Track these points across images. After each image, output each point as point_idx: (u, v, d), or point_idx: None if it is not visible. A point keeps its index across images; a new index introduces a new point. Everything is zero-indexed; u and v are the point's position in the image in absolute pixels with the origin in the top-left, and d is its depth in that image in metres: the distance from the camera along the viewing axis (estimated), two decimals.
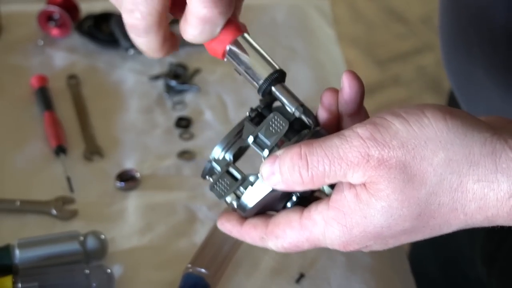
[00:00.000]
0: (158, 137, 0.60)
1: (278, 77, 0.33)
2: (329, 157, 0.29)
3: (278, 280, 0.49)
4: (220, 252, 0.50)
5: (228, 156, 0.34)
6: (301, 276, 0.49)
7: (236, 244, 0.50)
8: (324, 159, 0.30)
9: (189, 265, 0.48)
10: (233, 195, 0.33)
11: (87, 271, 0.47)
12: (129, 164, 0.57)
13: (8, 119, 0.61)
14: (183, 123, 0.61)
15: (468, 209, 0.29)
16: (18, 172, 0.56)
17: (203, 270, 0.48)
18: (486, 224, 0.30)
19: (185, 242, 0.52)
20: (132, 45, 0.66)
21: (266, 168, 0.31)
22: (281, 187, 0.31)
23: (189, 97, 0.63)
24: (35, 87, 0.62)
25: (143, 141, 0.59)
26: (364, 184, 0.30)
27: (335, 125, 0.34)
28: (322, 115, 0.34)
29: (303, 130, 0.33)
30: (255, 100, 0.68)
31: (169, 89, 0.63)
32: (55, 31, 0.67)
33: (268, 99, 0.35)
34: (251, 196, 0.33)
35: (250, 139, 0.33)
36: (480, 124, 0.30)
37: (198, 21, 0.31)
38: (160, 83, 0.64)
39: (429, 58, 1.62)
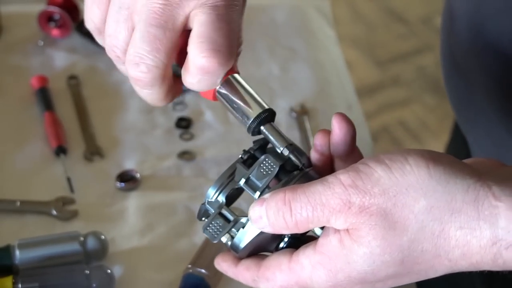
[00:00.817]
0: (158, 137, 0.60)
1: (267, 116, 0.34)
2: (311, 203, 0.30)
3: None
4: (220, 252, 0.50)
5: (221, 198, 0.35)
6: None
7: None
8: (307, 206, 0.30)
9: (189, 266, 0.48)
10: (228, 235, 0.34)
11: (87, 272, 0.48)
12: (130, 164, 0.57)
13: (8, 119, 0.61)
14: (183, 124, 0.61)
15: (452, 255, 0.29)
16: (18, 173, 0.57)
17: (203, 270, 0.48)
18: (472, 269, 0.30)
19: (185, 242, 0.52)
20: None
21: (254, 212, 0.32)
22: (269, 230, 0.32)
23: (189, 97, 0.63)
24: (35, 88, 0.62)
25: (143, 142, 0.60)
26: (347, 230, 0.30)
27: (328, 166, 0.35)
28: (315, 156, 0.35)
29: (295, 171, 0.34)
30: None
31: None
32: (55, 32, 0.67)
33: (261, 141, 0.36)
34: (242, 238, 0.34)
35: (242, 181, 0.34)
36: (464, 170, 0.30)
37: (197, 70, 0.31)
38: None
39: (429, 58, 1.61)
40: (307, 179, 0.33)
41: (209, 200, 0.35)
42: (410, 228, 0.29)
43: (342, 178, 0.30)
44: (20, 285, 0.46)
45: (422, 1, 1.77)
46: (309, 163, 0.35)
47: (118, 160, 0.58)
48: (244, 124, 0.34)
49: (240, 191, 0.36)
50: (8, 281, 0.47)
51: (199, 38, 0.31)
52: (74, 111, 0.62)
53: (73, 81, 0.64)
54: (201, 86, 0.33)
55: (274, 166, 0.33)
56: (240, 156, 0.35)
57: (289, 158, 0.34)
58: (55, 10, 0.66)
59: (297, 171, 0.34)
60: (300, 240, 0.34)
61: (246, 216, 0.33)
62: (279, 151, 0.34)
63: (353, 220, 0.29)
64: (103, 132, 0.60)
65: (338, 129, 0.33)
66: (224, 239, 0.34)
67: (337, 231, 0.31)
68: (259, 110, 0.34)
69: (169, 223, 0.53)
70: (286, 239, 0.34)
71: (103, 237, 0.50)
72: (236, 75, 0.34)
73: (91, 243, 0.50)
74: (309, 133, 0.61)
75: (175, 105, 0.62)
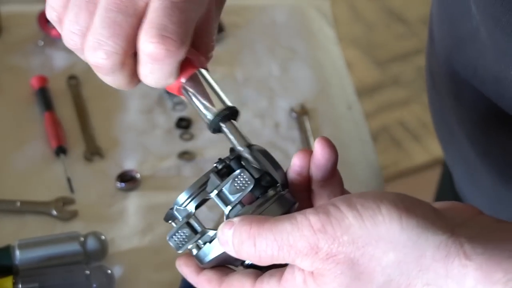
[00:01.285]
0: (158, 137, 0.60)
1: (228, 114, 0.33)
2: (278, 242, 0.29)
3: None
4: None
5: (191, 207, 0.33)
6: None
7: None
8: (273, 244, 0.29)
9: None
10: (194, 244, 0.33)
11: (87, 272, 0.48)
12: (129, 164, 0.58)
13: (8, 119, 0.61)
14: (184, 124, 0.61)
15: None
16: (18, 173, 0.57)
17: None
18: None
19: None
20: None
21: (222, 233, 0.31)
22: (233, 255, 0.31)
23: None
24: (35, 88, 0.62)
25: (143, 142, 0.60)
26: (312, 273, 0.30)
27: (305, 186, 0.34)
28: (292, 175, 0.34)
29: (271, 187, 0.33)
30: (255, 100, 0.67)
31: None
32: (55, 32, 0.66)
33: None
34: (208, 253, 0.33)
35: (214, 193, 0.33)
36: (436, 223, 0.29)
37: (146, 58, 0.31)
38: None
39: None
40: (282, 203, 0.32)
41: (178, 207, 0.34)
42: (375, 281, 0.29)
43: (312, 220, 0.29)
44: (20, 286, 0.46)
45: (422, 1, 1.76)
46: (285, 180, 0.34)
47: (118, 160, 0.58)
48: (205, 121, 0.33)
49: (207, 199, 0.35)
50: (8, 281, 0.47)
51: (149, 24, 0.30)
52: (74, 111, 0.62)
53: (73, 81, 0.64)
54: (155, 79, 0.32)
55: (249, 183, 0.32)
56: (214, 165, 0.34)
57: (266, 173, 0.33)
58: None
59: (272, 191, 0.33)
60: None
61: (214, 229, 0.33)
62: (239, 151, 0.33)
63: (319, 265, 0.29)
64: (103, 132, 0.60)
65: (320, 155, 0.33)
66: (190, 246, 0.33)
67: (302, 269, 0.30)
68: (221, 107, 0.33)
69: (169, 224, 0.53)
70: None
71: (103, 237, 0.50)
72: (203, 71, 0.33)
73: (91, 243, 0.50)
74: (310, 134, 0.61)
75: (175, 105, 0.63)
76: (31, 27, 0.67)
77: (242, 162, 0.34)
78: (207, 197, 0.33)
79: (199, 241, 0.33)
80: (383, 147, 1.42)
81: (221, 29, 0.68)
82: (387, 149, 1.43)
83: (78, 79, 0.64)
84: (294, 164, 0.34)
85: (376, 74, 1.62)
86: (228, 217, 0.33)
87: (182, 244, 0.33)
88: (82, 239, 0.49)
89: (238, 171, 0.33)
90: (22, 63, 0.65)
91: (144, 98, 0.64)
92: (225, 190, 0.33)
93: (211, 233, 0.33)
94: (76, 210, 0.54)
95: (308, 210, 0.30)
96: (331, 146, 0.33)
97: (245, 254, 0.30)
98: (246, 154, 0.33)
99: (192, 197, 0.34)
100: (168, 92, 0.64)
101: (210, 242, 0.33)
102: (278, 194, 0.33)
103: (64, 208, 0.54)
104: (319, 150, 0.33)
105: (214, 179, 0.33)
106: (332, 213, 0.29)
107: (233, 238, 0.30)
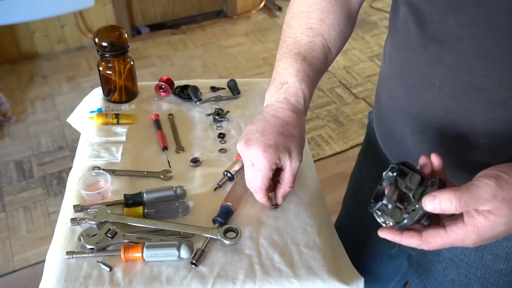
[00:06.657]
0: (209, 142, 0.59)
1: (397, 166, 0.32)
2: (473, 197, 0.29)
3: (266, 208, 0.50)
4: (237, 194, 0.51)
5: (395, 194, 0.32)
6: (276, 205, 0.51)
7: (243, 191, 0.50)
8: (470, 199, 0.29)
9: (223, 201, 0.49)
10: (392, 221, 0.31)
11: (176, 204, 0.49)
12: (197, 154, 0.57)
13: (142, 133, 0.61)
14: (222, 135, 0.60)
15: None
16: (145, 158, 0.57)
17: (229, 203, 0.49)
18: None
19: (223, 191, 0.52)
20: (198, 100, 0.64)
21: (428, 201, 0.29)
22: (436, 211, 0.29)
23: (224, 123, 0.62)
24: (153, 119, 0.62)
25: (202, 144, 0.59)
26: (489, 211, 0.29)
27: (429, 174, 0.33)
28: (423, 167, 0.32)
29: (427, 180, 0.32)
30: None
31: (215, 120, 0.62)
32: (163, 93, 0.66)
33: (401, 163, 0.33)
34: (411, 218, 0.31)
35: (403, 186, 0.32)
36: None
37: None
38: (211, 117, 0.63)
39: None
40: (442, 183, 0.31)
41: (385, 201, 0.32)
42: None
43: (488, 182, 0.28)
44: (146, 210, 0.48)
45: None
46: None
47: (191, 153, 0.57)
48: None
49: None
50: (140, 208, 0.48)
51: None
52: (171, 130, 0.61)
53: (171, 116, 0.63)
54: None
55: (418, 178, 0.31)
56: (394, 173, 0.32)
57: (421, 174, 0.32)
58: (162, 84, 0.66)
59: (431, 180, 0.31)
60: (432, 216, 0.31)
61: (411, 205, 0.31)
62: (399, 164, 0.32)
63: (498, 205, 0.28)
64: (184, 139, 0.59)
65: (437, 164, 0.32)
66: (391, 222, 0.31)
67: (479, 212, 0.29)
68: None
69: (214, 182, 0.53)
70: (426, 216, 0.31)
71: (184, 188, 0.51)
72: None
73: (179, 191, 0.50)
74: None
75: (217, 127, 0.61)
76: (151, 91, 0.67)
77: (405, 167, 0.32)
78: (400, 190, 0.32)
79: (405, 214, 0.31)
80: None
81: (238, 92, 0.67)
82: None
83: (173, 115, 0.63)
84: (427, 164, 0.32)
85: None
86: (413, 197, 0.31)
87: (397, 217, 0.31)
88: (174, 189, 0.50)
89: (410, 172, 0.31)
90: (147, 108, 0.64)
91: (203, 124, 0.62)
92: (407, 183, 0.31)
93: (409, 208, 0.31)
94: (171, 175, 0.54)
95: (482, 177, 0.28)
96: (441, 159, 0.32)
97: (452, 208, 0.29)
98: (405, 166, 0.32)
99: (394, 189, 0.32)
100: (214, 121, 0.62)
101: (411, 212, 0.30)
102: (438, 178, 0.31)
103: (166, 174, 0.54)
104: (435, 160, 0.32)
105: (399, 179, 0.32)
106: (498, 177, 0.29)
107: (440, 201, 0.28)
